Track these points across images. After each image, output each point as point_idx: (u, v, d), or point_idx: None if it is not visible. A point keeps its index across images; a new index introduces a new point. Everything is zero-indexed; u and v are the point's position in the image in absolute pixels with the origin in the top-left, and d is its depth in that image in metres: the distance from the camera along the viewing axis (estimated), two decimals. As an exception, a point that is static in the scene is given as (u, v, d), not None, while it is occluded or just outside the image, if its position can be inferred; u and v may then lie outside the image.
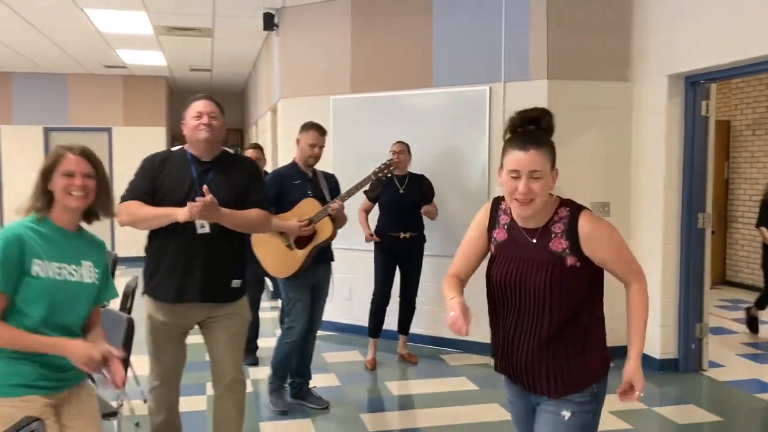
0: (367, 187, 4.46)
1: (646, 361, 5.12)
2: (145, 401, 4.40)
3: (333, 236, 4.11)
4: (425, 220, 5.18)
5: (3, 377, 2.10)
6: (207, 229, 2.88)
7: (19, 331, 2.08)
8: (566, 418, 2.03)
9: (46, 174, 2.21)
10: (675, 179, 4.94)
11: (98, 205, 2.28)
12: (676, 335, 5.05)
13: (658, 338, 5.04)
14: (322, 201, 4.11)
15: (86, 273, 2.25)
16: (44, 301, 2.13)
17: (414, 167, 5.22)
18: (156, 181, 2.92)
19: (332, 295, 6.18)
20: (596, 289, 2.10)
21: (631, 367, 2.01)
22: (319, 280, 4.23)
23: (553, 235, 2.03)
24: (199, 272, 2.91)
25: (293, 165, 4.27)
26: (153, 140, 10.83)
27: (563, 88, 5.13)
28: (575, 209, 2.05)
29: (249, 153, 5.46)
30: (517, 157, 1.95)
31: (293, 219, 3.99)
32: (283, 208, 4.01)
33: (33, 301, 2.12)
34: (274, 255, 4.07)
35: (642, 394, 2.02)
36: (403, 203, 5.06)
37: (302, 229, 3.95)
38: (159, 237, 2.94)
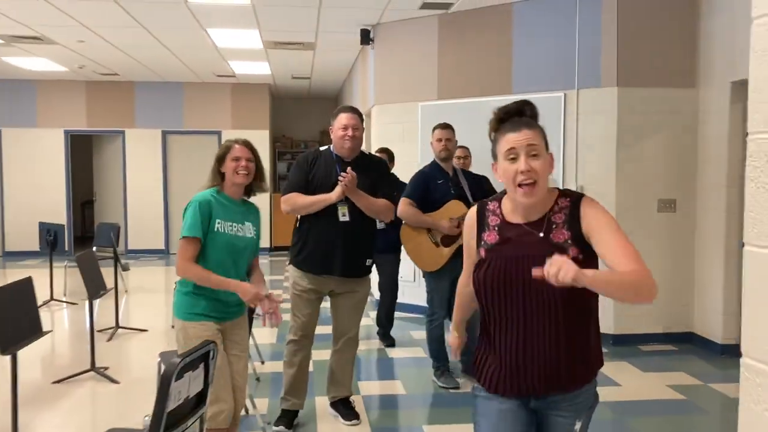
0: None
1: (707, 345, 5.54)
2: (262, 362, 5.27)
3: None
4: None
5: (188, 307, 2.93)
6: (347, 218, 3.65)
7: (208, 272, 2.88)
8: (577, 428, 2.00)
9: (220, 160, 3.02)
10: (737, 177, 5.34)
11: (255, 183, 3.08)
12: (737, 322, 5.44)
13: (720, 325, 5.44)
14: (465, 200, 4.59)
15: (248, 230, 3.04)
16: (222, 250, 2.93)
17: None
18: (308, 176, 3.69)
19: (419, 281, 6.91)
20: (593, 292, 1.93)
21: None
22: (457, 273, 4.80)
23: (554, 226, 1.94)
24: (340, 252, 3.68)
25: (434, 164, 4.77)
26: (257, 142, 11.67)
27: (632, 95, 5.61)
28: (576, 197, 1.98)
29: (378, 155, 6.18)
30: (512, 137, 1.90)
31: (444, 219, 4.48)
32: (427, 205, 4.52)
33: (214, 250, 2.92)
34: (421, 250, 4.61)
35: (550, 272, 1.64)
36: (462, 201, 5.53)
37: (451, 229, 4.46)
38: (309, 221, 3.70)
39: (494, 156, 1.98)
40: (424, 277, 4.74)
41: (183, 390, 2.68)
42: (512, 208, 2.01)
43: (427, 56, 6.85)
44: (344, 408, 3.98)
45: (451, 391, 4.61)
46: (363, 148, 3.86)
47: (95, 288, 4.97)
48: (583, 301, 1.93)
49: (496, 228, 2.01)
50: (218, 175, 3.03)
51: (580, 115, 5.84)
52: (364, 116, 3.97)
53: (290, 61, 9.67)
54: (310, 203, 3.65)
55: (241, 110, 12.14)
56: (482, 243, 2.02)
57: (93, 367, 4.94)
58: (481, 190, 5.31)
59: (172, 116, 11.93)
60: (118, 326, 6.23)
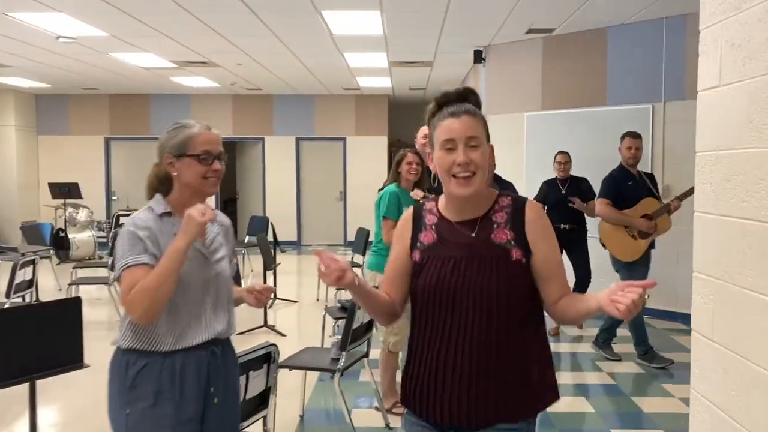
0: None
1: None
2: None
3: (669, 228, 5.27)
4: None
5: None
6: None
7: None
8: None
9: (398, 163, 4.23)
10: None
11: (421, 180, 4.25)
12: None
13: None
14: (657, 198, 5.32)
15: None
16: None
17: (589, 171, 6.76)
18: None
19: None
20: (539, 303, 1.80)
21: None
22: (648, 262, 5.33)
23: (495, 226, 1.77)
24: None
25: (621, 168, 5.39)
26: (377, 147, 13.34)
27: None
28: (518, 198, 1.84)
29: None
30: (451, 125, 1.72)
31: (638, 215, 5.17)
32: (621, 205, 5.20)
33: None
34: (621, 244, 5.22)
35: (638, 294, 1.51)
36: (563, 201, 6.20)
37: (649, 227, 5.13)
38: None
39: (431, 144, 1.80)
40: (617, 271, 5.34)
41: (361, 318, 3.98)
42: (447, 205, 1.84)
43: (533, 72, 7.93)
44: None
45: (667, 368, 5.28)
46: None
47: (269, 262, 6.43)
48: (526, 317, 1.75)
49: (433, 227, 1.83)
50: (396, 175, 4.26)
51: (667, 125, 6.75)
52: None
53: (409, 76, 10.97)
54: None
55: (364, 118, 13.59)
56: (417, 244, 1.83)
57: (265, 323, 6.40)
58: (579, 190, 6.24)
59: (305, 125, 13.54)
60: (276, 297, 7.73)
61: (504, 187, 5.30)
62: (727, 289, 2.05)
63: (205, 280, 2.14)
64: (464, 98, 1.81)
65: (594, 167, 6.88)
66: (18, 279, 5.23)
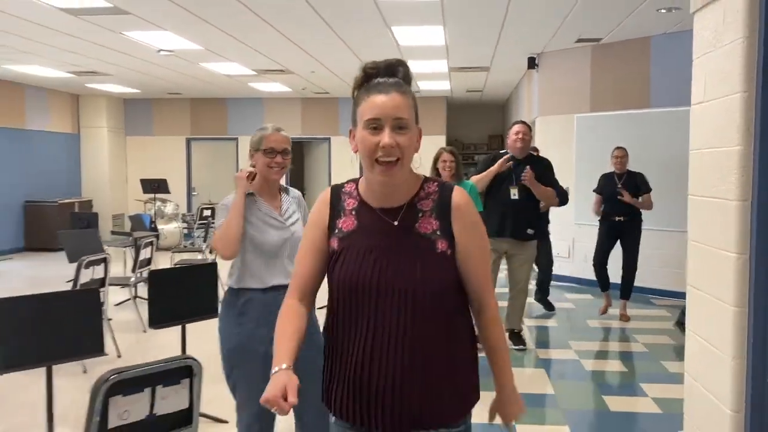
0: None
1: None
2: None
3: None
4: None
5: None
6: (517, 197, 5.50)
7: None
8: None
9: (435, 161, 5.10)
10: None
11: (457, 174, 5.11)
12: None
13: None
14: None
15: None
16: None
17: (634, 167, 7.42)
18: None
19: (573, 257, 8.78)
20: (464, 300, 1.73)
21: (508, 392, 1.73)
22: None
23: (420, 215, 1.66)
24: (510, 221, 5.47)
25: None
26: (435, 145, 14.10)
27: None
28: (446, 184, 1.72)
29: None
30: (377, 102, 1.58)
31: None
32: None
33: None
34: None
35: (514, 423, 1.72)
36: (618, 194, 6.66)
37: None
38: (490, 196, 5.53)
39: (353, 121, 1.65)
40: None
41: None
42: (368, 190, 1.70)
43: (582, 77, 8.64)
44: (515, 338, 5.75)
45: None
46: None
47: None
48: (453, 313, 1.67)
49: (354, 212, 1.70)
50: (435, 171, 5.09)
51: (705, 124, 7.38)
52: (530, 124, 5.83)
53: (467, 79, 11.76)
54: (481, 178, 5.41)
55: (423, 118, 13.99)
56: (335, 231, 1.70)
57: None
58: (634, 184, 6.77)
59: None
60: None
61: (559, 193, 5.79)
62: (708, 250, 2.82)
63: (282, 239, 2.91)
64: (393, 70, 1.65)
65: (639, 165, 7.56)
66: (143, 257, 6.32)
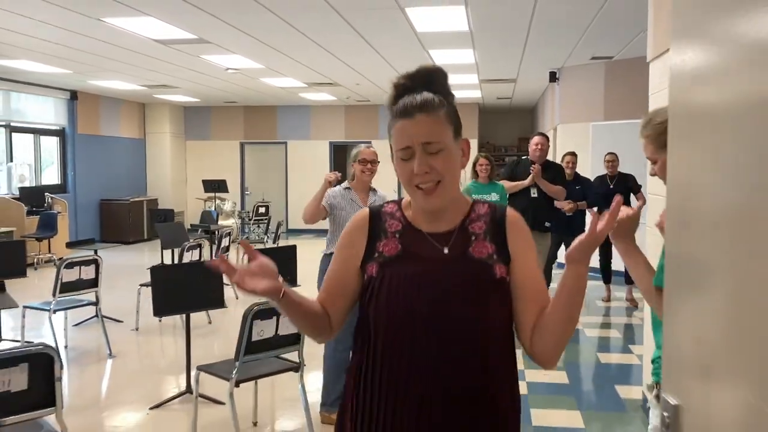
0: None
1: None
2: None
3: None
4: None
5: None
6: (536, 195, 6.72)
7: None
8: None
9: (474, 164, 6.34)
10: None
11: (491, 174, 6.34)
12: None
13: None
14: None
15: (492, 197, 6.33)
16: None
17: (642, 170, 8.54)
18: (513, 172, 6.78)
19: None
20: (511, 323, 1.53)
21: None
22: None
23: (473, 238, 1.50)
24: (530, 215, 6.60)
25: None
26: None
27: None
28: (497, 205, 1.58)
29: (567, 158, 7.84)
30: (403, 130, 1.45)
31: None
32: None
33: None
34: None
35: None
36: (611, 195, 7.89)
37: None
38: (514, 195, 6.76)
39: (391, 147, 1.50)
40: None
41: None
42: (415, 212, 1.56)
43: (597, 90, 9.78)
44: None
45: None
46: (549, 156, 6.88)
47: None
48: (505, 344, 1.50)
49: (398, 235, 1.53)
50: (474, 173, 6.33)
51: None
52: (552, 130, 6.94)
53: (496, 89, 12.95)
54: (514, 186, 6.71)
55: (456, 124, 15.62)
56: (375, 255, 1.52)
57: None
58: (626, 185, 8.00)
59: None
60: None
61: (582, 183, 6.92)
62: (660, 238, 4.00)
63: None
64: (427, 81, 1.51)
65: (645, 167, 8.67)
66: (223, 245, 7.71)
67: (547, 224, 6.71)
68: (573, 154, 7.97)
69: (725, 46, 1.04)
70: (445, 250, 1.50)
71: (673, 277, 1.27)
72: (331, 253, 1.80)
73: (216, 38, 8.02)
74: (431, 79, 1.53)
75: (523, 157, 6.98)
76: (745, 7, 0.95)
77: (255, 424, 4.26)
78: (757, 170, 0.92)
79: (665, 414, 1.17)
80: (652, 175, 2.28)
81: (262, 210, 12.95)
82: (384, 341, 1.48)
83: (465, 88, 12.73)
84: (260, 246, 10.57)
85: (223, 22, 7.12)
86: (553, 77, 10.36)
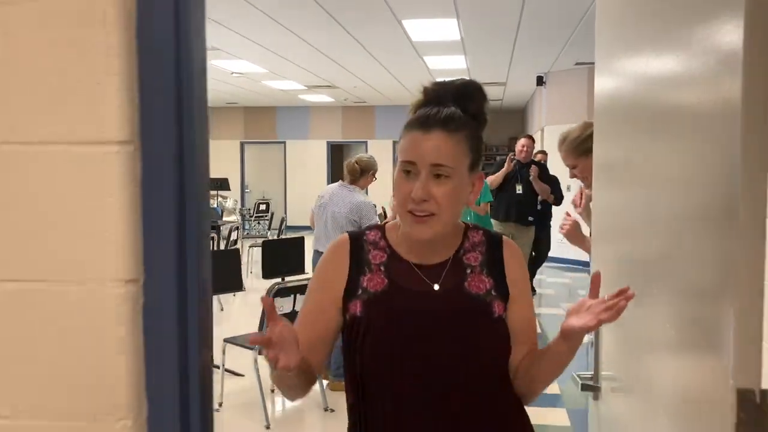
0: None
1: None
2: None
3: None
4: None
5: None
6: (521, 192, 7.34)
7: None
8: None
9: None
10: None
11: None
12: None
13: None
14: None
15: None
16: None
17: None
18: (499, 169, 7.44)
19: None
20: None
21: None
22: None
23: (468, 271, 1.32)
24: (515, 210, 7.29)
25: None
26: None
27: None
28: (492, 233, 1.41)
29: (539, 156, 8.34)
30: (413, 141, 1.25)
31: None
32: None
33: None
34: None
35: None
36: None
37: None
38: (500, 190, 7.38)
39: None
40: None
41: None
42: (403, 240, 1.34)
43: (581, 93, 10.40)
44: None
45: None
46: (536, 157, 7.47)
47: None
48: (506, 384, 1.35)
49: (383, 268, 1.32)
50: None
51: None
52: (540, 131, 7.50)
53: (487, 91, 13.46)
54: (495, 177, 7.25)
55: (449, 124, 16.23)
56: (359, 291, 1.31)
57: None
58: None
59: (399, 130, 16.30)
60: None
61: (550, 180, 7.56)
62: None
63: None
64: (464, 97, 1.33)
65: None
66: (232, 238, 8.34)
67: (530, 218, 7.34)
68: (543, 153, 8.60)
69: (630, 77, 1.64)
70: (436, 287, 1.32)
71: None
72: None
73: (225, 46, 8.59)
74: (468, 95, 1.33)
75: (510, 155, 7.58)
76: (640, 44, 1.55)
77: (272, 391, 4.84)
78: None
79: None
80: (572, 177, 2.89)
81: (262, 207, 13.52)
82: (373, 387, 1.29)
83: (457, 90, 13.32)
84: (261, 239, 11.15)
85: (232, 31, 7.70)
86: (540, 81, 10.98)
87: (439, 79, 1.41)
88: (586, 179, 3.97)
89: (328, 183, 16.65)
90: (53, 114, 1.02)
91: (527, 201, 7.31)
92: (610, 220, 1.91)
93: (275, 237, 11.28)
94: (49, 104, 1.02)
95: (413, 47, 8.67)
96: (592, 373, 1.80)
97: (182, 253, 1.06)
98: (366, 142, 16.51)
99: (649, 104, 1.56)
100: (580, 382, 1.80)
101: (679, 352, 1.32)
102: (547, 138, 10.94)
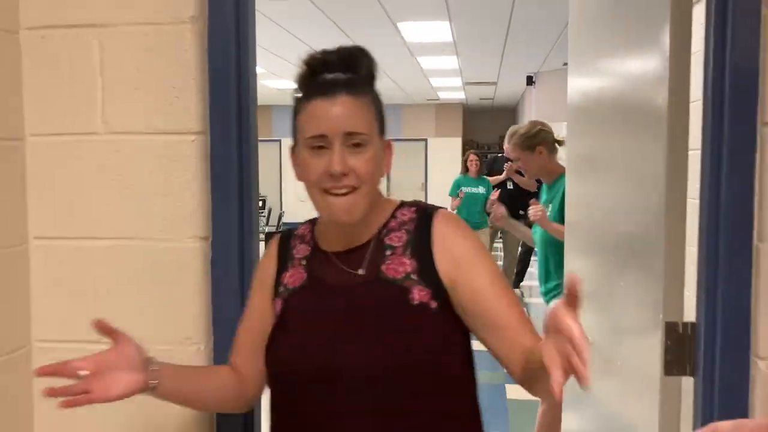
0: None
1: None
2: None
3: None
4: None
5: None
6: (512, 187, 7.60)
7: None
8: None
9: (465, 161, 7.26)
10: None
11: (480, 170, 7.28)
12: None
13: None
14: None
15: (480, 190, 7.25)
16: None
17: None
18: (491, 170, 7.74)
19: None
20: (470, 369, 1.18)
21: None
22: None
23: (388, 252, 1.14)
24: (506, 204, 7.53)
25: None
26: (453, 146, 16.32)
27: None
28: (427, 207, 1.20)
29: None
30: (320, 111, 1.09)
31: None
32: None
33: None
34: None
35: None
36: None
37: None
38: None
39: (293, 136, 1.16)
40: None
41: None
42: (323, 230, 1.22)
43: (564, 91, 10.75)
44: None
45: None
46: None
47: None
48: (449, 393, 1.13)
49: (304, 262, 1.20)
50: (465, 168, 7.22)
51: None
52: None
53: (479, 90, 13.90)
54: (494, 180, 7.67)
55: (442, 123, 16.62)
56: (281, 289, 1.20)
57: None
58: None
59: (394, 128, 16.49)
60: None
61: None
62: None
63: None
64: (351, 62, 1.15)
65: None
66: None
67: (521, 212, 7.67)
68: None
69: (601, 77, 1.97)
70: (360, 272, 1.15)
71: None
72: None
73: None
74: (355, 61, 1.16)
75: (499, 155, 7.94)
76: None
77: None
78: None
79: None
80: (514, 169, 3.49)
81: (259, 204, 13.79)
82: (286, 399, 1.14)
83: (450, 90, 13.67)
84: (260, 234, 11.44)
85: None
86: (530, 81, 11.32)
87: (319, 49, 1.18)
88: (527, 171, 4.53)
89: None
90: (145, 112, 1.35)
91: (517, 195, 7.64)
92: (583, 209, 2.24)
93: (273, 231, 11.57)
94: (143, 105, 1.35)
95: (407, 48, 8.99)
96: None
97: (242, 218, 1.39)
98: (360, 140, 16.82)
99: (616, 103, 1.88)
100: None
101: (626, 302, 1.66)
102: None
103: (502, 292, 1.12)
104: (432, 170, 16.52)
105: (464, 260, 1.13)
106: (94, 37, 1.30)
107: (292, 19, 7.36)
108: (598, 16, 2.03)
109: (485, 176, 7.49)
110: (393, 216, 1.19)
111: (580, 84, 2.29)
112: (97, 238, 1.36)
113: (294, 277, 1.19)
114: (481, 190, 7.06)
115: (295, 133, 1.15)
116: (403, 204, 1.22)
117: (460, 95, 14.73)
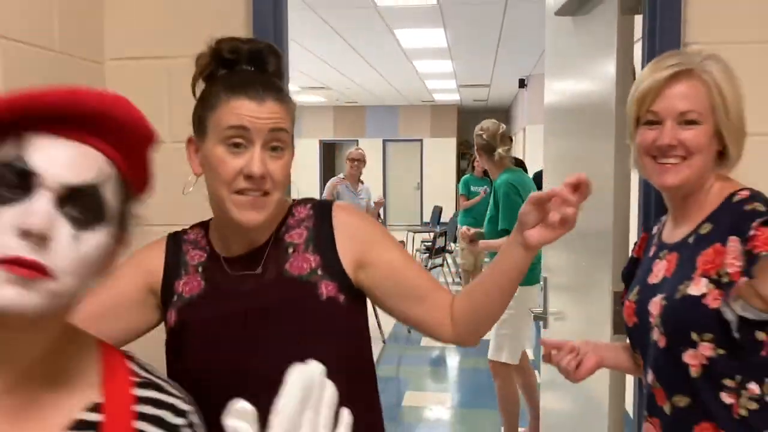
0: None
1: None
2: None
3: None
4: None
5: None
6: None
7: None
8: None
9: (471, 160, 7.60)
10: None
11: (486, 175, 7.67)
12: None
13: None
14: None
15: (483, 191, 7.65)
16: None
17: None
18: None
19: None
20: (369, 363, 1.22)
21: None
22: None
23: (290, 250, 1.14)
24: None
25: None
26: (448, 146, 16.68)
27: None
28: (322, 202, 1.22)
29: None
30: (247, 109, 1.04)
31: None
32: None
33: None
34: None
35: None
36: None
37: None
38: None
39: (196, 125, 1.11)
40: None
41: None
42: (219, 234, 1.18)
43: (560, 95, 11.11)
44: None
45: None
46: (518, 153, 8.18)
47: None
48: (356, 388, 1.08)
49: (200, 270, 1.16)
50: (472, 167, 7.59)
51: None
52: (522, 130, 8.21)
53: (473, 92, 14.27)
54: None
55: (437, 124, 16.98)
56: (174, 299, 1.15)
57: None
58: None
59: (390, 129, 17.04)
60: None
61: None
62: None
63: (354, 203, 5.56)
64: (261, 60, 1.11)
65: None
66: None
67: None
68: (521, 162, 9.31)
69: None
70: (258, 271, 1.14)
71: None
72: None
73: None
74: (263, 59, 1.12)
75: None
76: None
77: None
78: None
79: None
80: (483, 169, 3.94)
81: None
82: (202, 406, 0.96)
83: (445, 92, 14.03)
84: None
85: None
86: (522, 84, 11.69)
87: (224, 37, 1.12)
88: (479, 165, 5.28)
89: (321, 180, 17.34)
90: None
91: None
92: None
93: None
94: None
95: (404, 53, 9.35)
96: (542, 308, 2.49)
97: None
98: (357, 140, 17.16)
99: (583, 108, 2.24)
100: (533, 314, 2.50)
101: (585, 280, 2.03)
102: (529, 136, 11.66)
103: (410, 260, 1.20)
104: (427, 168, 16.89)
105: (371, 240, 1.18)
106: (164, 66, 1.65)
107: (293, 26, 7.67)
108: (569, 35, 2.38)
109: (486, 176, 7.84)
110: (290, 213, 1.19)
111: (555, 89, 2.65)
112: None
113: (189, 285, 1.15)
114: (485, 189, 7.41)
115: (204, 125, 1.09)
116: (296, 202, 1.23)
117: (454, 97, 15.10)
